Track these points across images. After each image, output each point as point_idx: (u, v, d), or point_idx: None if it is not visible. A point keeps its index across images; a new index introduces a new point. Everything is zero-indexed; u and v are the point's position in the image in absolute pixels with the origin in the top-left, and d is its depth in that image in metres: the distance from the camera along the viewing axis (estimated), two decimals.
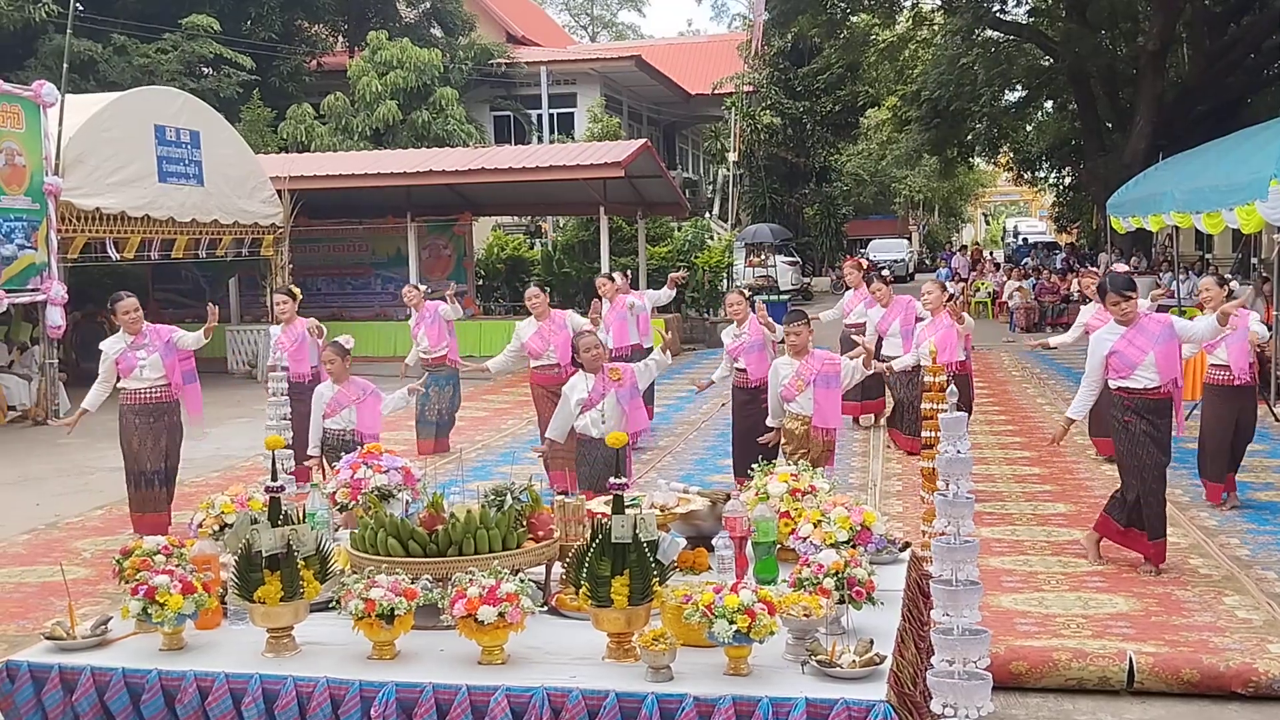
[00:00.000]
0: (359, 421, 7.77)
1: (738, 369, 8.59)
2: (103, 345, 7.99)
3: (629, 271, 13.38)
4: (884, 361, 10.21)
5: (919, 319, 10.20)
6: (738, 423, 8.50)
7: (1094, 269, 21.97)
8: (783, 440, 7.37)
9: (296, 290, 9.95)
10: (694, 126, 42.83)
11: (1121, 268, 12.57)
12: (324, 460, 7.60)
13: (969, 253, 36.63)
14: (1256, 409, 8.44)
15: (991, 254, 41.68)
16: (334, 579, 3.65)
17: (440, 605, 3.54)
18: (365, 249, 21.55)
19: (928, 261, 51.10)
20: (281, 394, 7.28)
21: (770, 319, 8.50)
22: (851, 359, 7.27)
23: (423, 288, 11.40)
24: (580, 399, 6.83)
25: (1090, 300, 9.99)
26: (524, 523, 3.91)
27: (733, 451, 8.57)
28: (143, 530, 7.84)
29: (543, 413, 9.51)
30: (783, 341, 7.57)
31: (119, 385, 7.89)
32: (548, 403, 9.38)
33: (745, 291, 9.80)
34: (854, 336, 10.48)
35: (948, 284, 28.85)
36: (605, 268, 19.35)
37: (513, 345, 9.67)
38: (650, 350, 11.39)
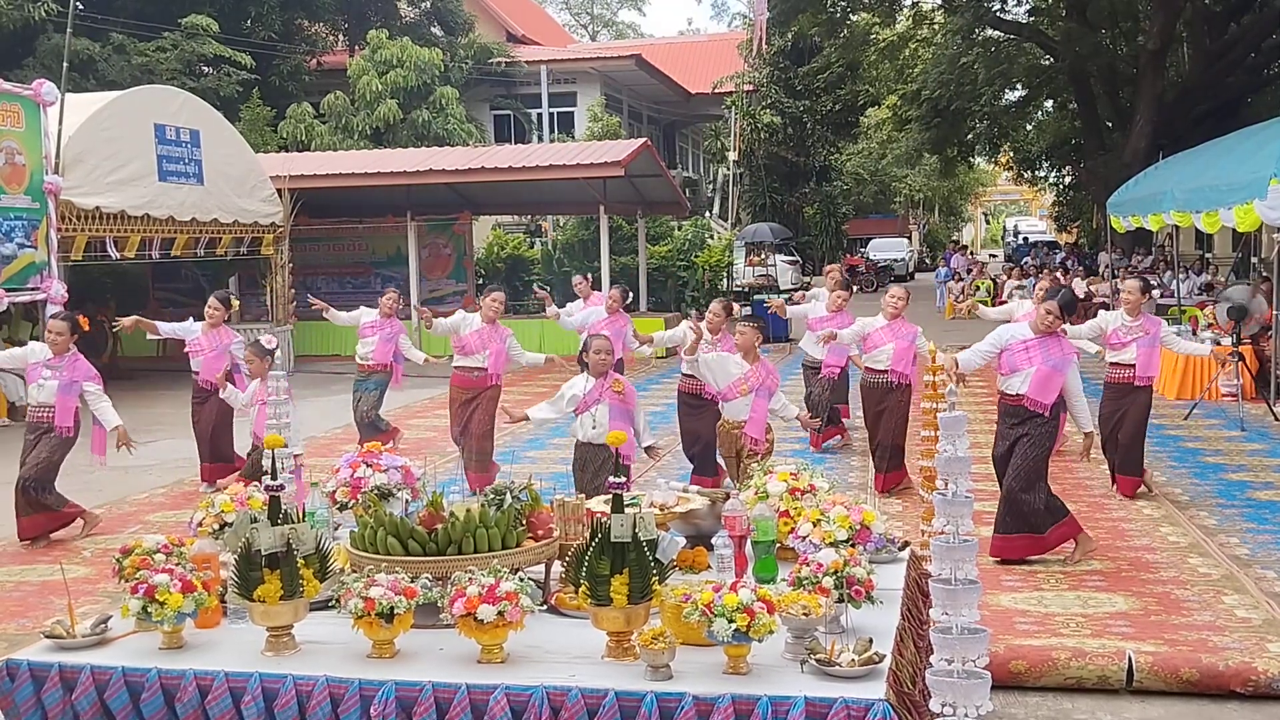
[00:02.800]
0: (255, 422, 7.82)
1: (685, 374, 8.55)
2: (34, 344, 8.05)
3: (590, 276, 13.68)
4: (809, 363, 10.64)
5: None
6: (683, 422, 8.82)
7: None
8: (719, 442, 7.43)
9: (236, 301, 9.94)
10: (694, 126, 42.84)
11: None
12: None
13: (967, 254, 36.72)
14: (1149, 409, 8.48)
15: (974, 254, 41.76)
16: (333, 578, 3.65)
17: (440, 604, 3.54)
18: (365, 248, 21.57)
19: (928, 261, 51.11)
20: (281, 393, 7.27)
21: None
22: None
23: (403, 305, 10.88)
24: (574, 395, 6.82)
25: (1028, 298, 10.13)
26: (523, 522, 3.91)
27: (687, 448, 8.86)
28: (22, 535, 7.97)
29: (453, 415, 9.22)
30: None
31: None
32: (459, 407, 9.12)
33: (732, 304, 9.76)
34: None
35: (950, 283, 29.18)
36: (605, 267, 19.38)
37: (447, 325, 9.19)
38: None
